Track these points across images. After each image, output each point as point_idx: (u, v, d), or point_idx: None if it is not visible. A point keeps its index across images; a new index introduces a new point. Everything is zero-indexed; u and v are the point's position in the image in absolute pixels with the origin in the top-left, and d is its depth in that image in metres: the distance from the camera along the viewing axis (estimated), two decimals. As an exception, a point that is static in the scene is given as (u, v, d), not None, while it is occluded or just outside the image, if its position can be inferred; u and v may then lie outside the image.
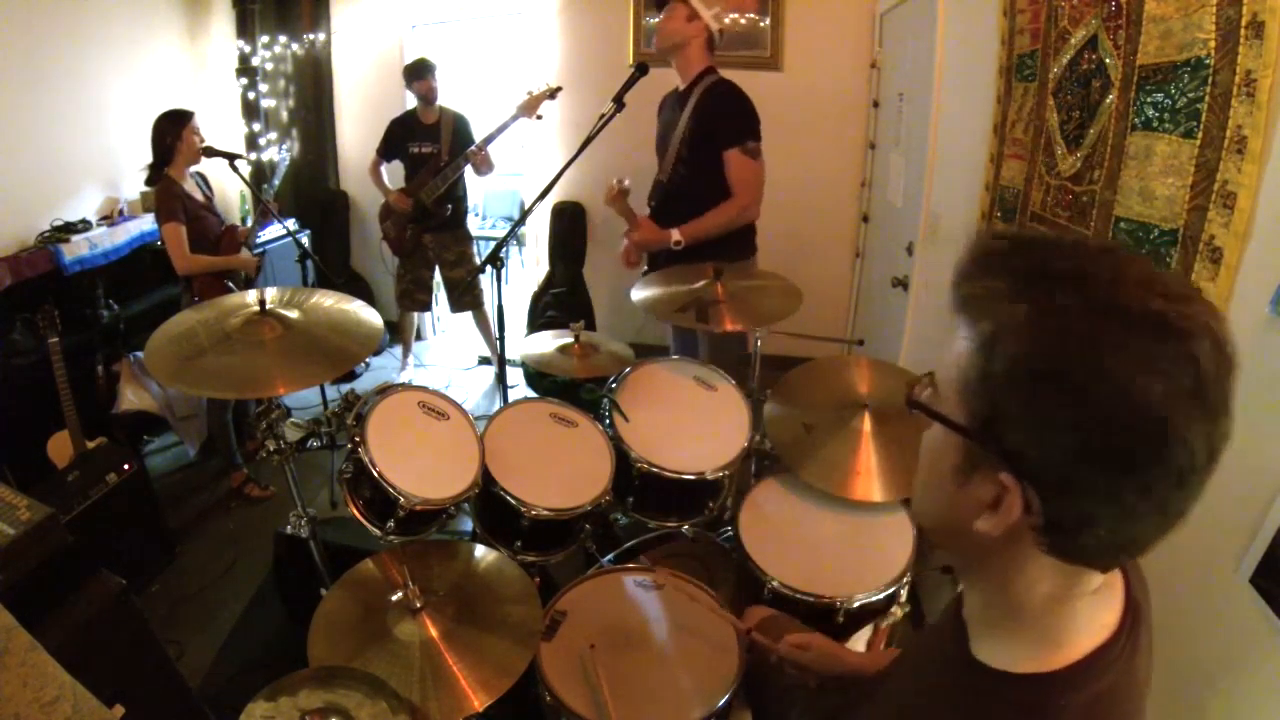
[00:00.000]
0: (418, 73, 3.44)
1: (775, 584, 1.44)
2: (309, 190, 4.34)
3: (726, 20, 2.33)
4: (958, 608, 0.65)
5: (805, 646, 1.16)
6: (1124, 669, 0.56)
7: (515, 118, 3.28)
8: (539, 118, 3.29)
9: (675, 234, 2.25)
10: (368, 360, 3.80)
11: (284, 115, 4.22)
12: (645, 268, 2.51)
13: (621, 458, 1.70)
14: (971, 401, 0.51)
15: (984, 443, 0.51)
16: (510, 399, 2.00)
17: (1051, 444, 0.47)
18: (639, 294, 1.98)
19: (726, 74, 2.33)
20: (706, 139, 2.25)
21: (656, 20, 2.33)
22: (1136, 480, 0.46)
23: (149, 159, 2.64)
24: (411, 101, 3.59)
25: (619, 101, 1.98)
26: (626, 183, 2.24)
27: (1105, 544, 0.51)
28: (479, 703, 1.16)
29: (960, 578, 0.64)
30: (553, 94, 3.20)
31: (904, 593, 1.48)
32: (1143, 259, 0.50)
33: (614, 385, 1.85)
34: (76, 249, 2.96)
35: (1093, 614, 0.57)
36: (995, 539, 0.53)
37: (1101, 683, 0.55)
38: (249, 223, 3.00)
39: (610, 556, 1.70)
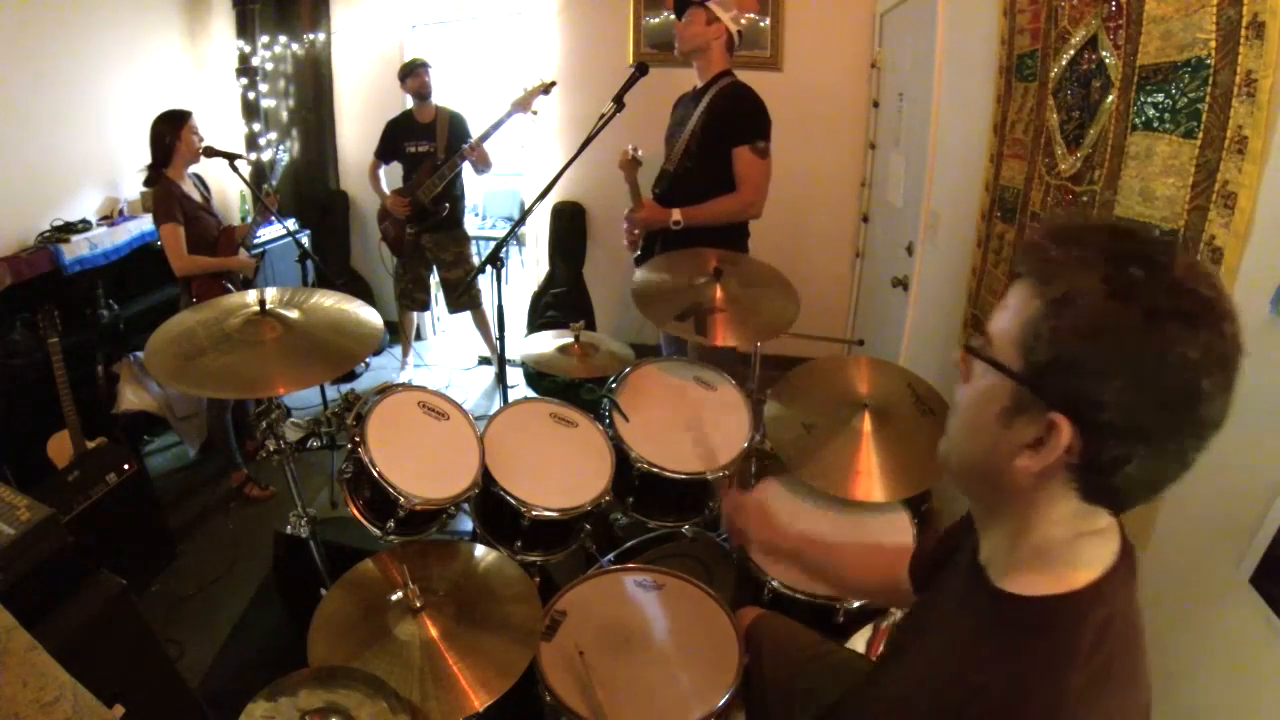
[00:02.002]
0: (410, 70, 3.45)
1: (775, 584, 1.45)
2: (309, 190, 4.34)
3: (744, 21, 2.35)
4: (972, 557, 0.72)
5: (740, 508, 1.27)
6: (1125, 595, 0.65)
7: (510, 114, 3.28)
8: (534, 113, 3.28)
9: (676, 213, 2.28)
10: (368, 360, 3.80)
11: (284, 115, 4.22)
12: (639, 253, 2.53)
13: (621, 458, 1.70)
14: (1031, 351, 0.59)
15: (1037, 387, 0.59)
16: (510, 399, 2.00)
17: (1108, 389, 0.55)
18: (639, 279, 1.99)
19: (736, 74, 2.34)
20: (717, 136, 2.27)
21: (676, 24, 2.35)
22: (1169, 427, 0.56)
23: (148, 159, 2.64)
24: (410, 103, 3.59)
25: (619, 101, 1.98)
26: (640, 153, 2.26)
27: (1131, 482, 0.59)
28: (479, 703, 1.16)
29: (983, 523, 0.72)
30: (547, 88, 3.20)
31: (904, 593, 1.48)
32: (1187, 252, 0.60)
33: (614, 385, 1.85)
34: (76, 249, 2.96)
35: (1099, 548, 0.65)
36: (1030, 476, 0.61)
37: (1110, 605, 0.63)
38: (249, 222, 3.00)
39: (610, 556, 1.70)
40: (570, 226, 4.07)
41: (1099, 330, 0.56)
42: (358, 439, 1.47)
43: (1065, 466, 0.60)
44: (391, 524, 1.47)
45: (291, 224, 3.56)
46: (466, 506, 1.63)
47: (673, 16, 2.34)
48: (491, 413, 1.75)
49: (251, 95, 4.15)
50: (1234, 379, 0.56)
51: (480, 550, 1.52)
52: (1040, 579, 0.64)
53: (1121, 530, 0.68)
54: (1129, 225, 0.62)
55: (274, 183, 3.19)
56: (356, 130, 4.27)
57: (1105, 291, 0.56)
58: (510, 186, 5.21)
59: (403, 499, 1.42)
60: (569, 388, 2.35)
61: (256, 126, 4.19)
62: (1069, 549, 0.64)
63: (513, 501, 1.55)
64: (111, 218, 3.33)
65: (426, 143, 3.52)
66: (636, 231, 2.44)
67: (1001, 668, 0.62)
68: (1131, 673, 0.64)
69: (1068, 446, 0.58)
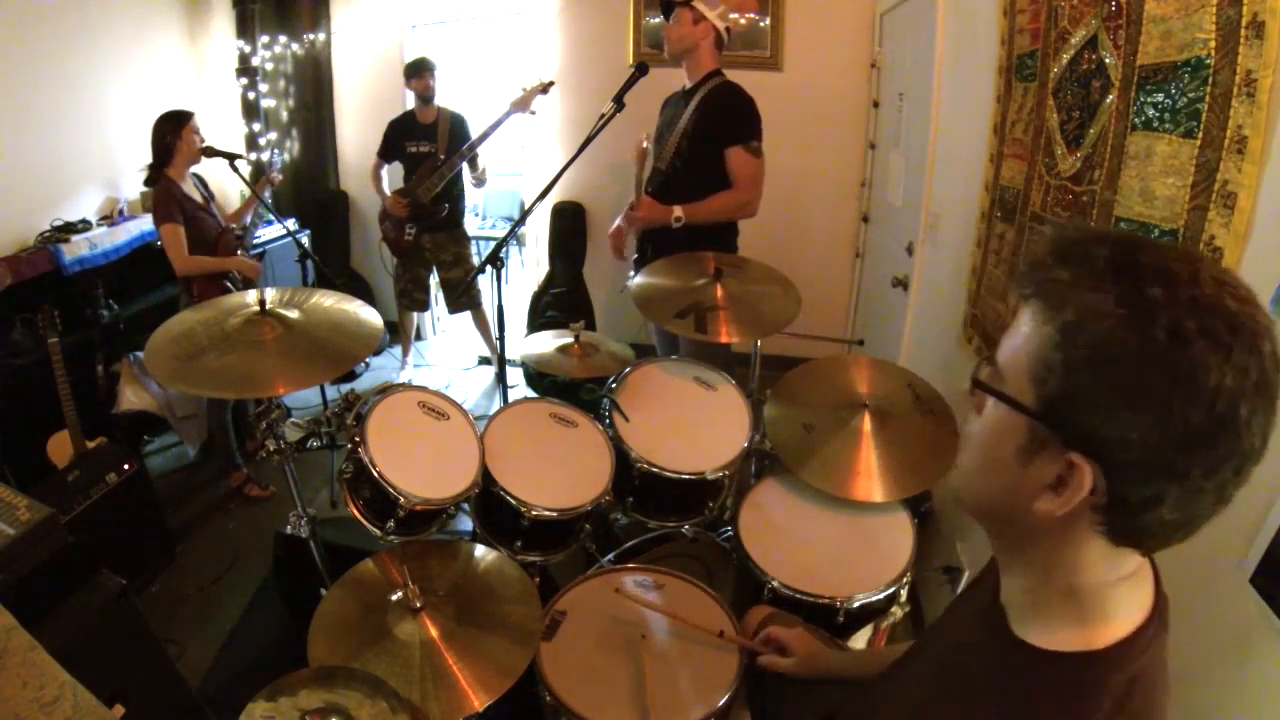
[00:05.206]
0: (416, 70, 3.47)
1: (775, 584, 1.44)
2: (309, 190, 4.34)
3: (733, 17, 2.35)
4: (993, 595, 0.67)
5: (783, 648, 1.17)
6: (1157, 650, 0.59)
7: (509, 114, 3.30)
8: (533, 113, 3.30)
9: (677, 210, 2.27)
10: (368, 360, 3.80)
11: (284, 115, 4.22)
12: (634, 255, 2.54)
13: (621, 458, 1.70)
14: (1043, 384, 0.53)
15: (1053, 424, 0.53)
16: (510, 399, 2.00)
17: (1130, 425, 0.49)
18: (638, 283, 1.99)
19: (728, 74, 2.34)
20: (707, 136, 2.27)
21: (664, 26, 2.35)
22: (1205, 463, 0.49)
23: (149, 159, 2.64)
24: (411, 102, 3.60)
25: (619, 101, 1.98)
26: (650, 144, 2.26)
27: (1164, 524, 0.53)
28: (479, 703, 1.16)
29: (1003, 562, 0.66)
30: (545, 88, 3.22)
31: (904, 593, 1.48)
32: (1214, 262, 0.53)
33: (614, 385, 1.85)
34: (76, 249, 2.96)
35: (1131, 597, 0.59)
36: (1054, 520, 0.55)
37: (1139, 662, 0.57)
38: (248, 219, 3.00)
39: (610, 556, 1.70)
40: (570, 226, 4.07)
41: (1116, 359, 0.49)
42: (358, 439, 1.47)
43: (1091, 508, 0.53)
44: (391, 524, 1.47)
45: (291, 224, 3.56)
46: (466, 506, 1.63)
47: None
48: (491, 413, 1.75)
49: (251, 95, 4.16)
50: (1276, 402, 0.49)
51: (480, 550, 1.52)
52: (1064, 633, 0.59)
53: (1155, 577, 0.62)
54: (1139, 237, 0.55)
55: (276, 165, 3.22)
56: (356, 130, 4.28)
57: (1121, 314, 0.49)
58: (510, 186, 5.22)
59: (403, 499, 1.42)
60: (569, 388, 2.35)
61: (256, 126, 4.20)
62: (1096, 599, 0.58)
63: (513, 501, 1.55)
64: (111, 218, 3.33)
65: (428, 143, 3.53)
66: (626, 235, 2.45)
67: None
68: None
69: (1091, 488, 0.52)
